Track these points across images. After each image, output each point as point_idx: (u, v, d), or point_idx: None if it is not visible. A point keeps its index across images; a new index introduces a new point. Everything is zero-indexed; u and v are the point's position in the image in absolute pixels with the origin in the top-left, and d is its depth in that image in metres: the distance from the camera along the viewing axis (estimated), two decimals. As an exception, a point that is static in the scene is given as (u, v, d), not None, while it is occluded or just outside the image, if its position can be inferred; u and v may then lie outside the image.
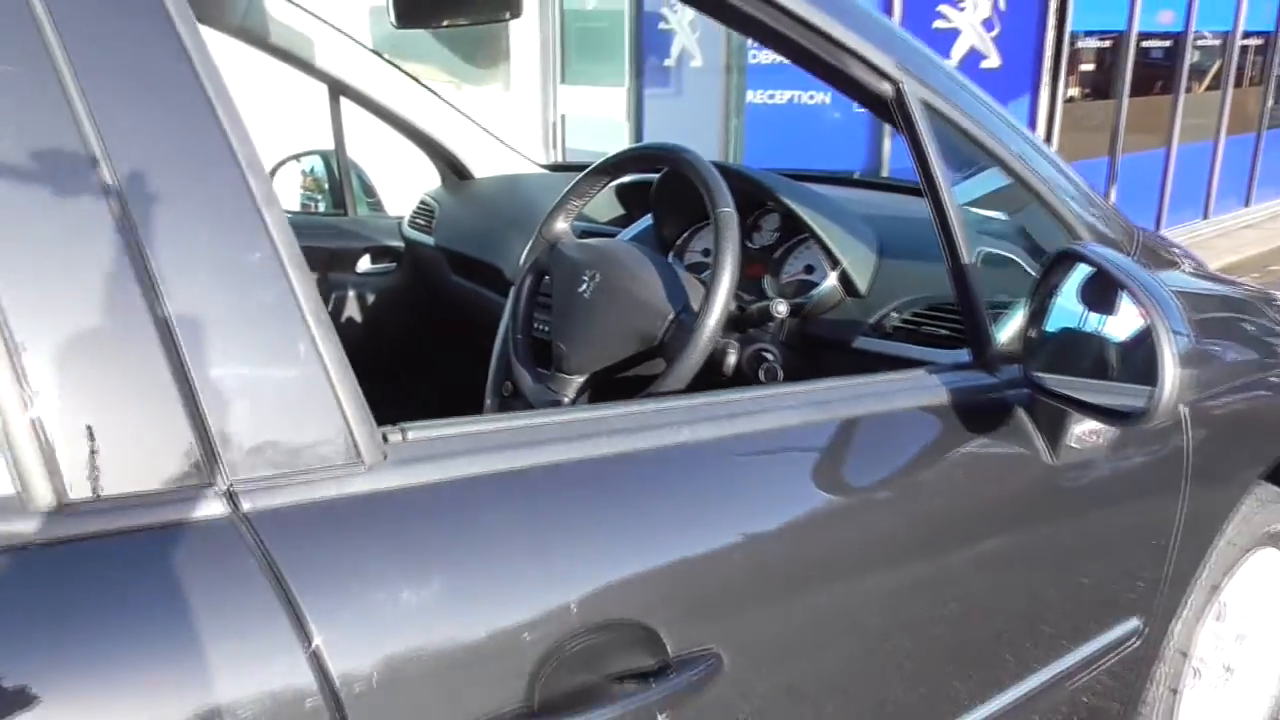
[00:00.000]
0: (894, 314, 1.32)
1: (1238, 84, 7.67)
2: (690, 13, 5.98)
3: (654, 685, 0.76)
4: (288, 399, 0.64)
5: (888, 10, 5.86)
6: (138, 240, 0.60)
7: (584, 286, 1.31)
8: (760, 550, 0.88)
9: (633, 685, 0.74)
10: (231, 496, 0.62)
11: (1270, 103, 8.24)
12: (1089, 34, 6.24)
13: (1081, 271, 1.08)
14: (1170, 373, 0.92)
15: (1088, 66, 6.43)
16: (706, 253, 1.56)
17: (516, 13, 1.43)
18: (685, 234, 1.59)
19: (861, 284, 1.37)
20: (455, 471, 0.72)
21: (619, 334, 1.26)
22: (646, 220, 1.65)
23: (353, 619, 0.63)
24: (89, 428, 0.57)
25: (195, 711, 0.57)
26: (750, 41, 5.82)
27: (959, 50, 5.92)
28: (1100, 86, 6.57)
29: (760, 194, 1.44)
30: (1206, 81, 7.50)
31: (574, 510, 0.78)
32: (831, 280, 1.38)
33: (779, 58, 1.13)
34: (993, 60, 5.86)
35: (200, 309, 0.61)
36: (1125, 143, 6.70)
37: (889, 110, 1.11)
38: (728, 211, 1.20)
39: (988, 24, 5.87)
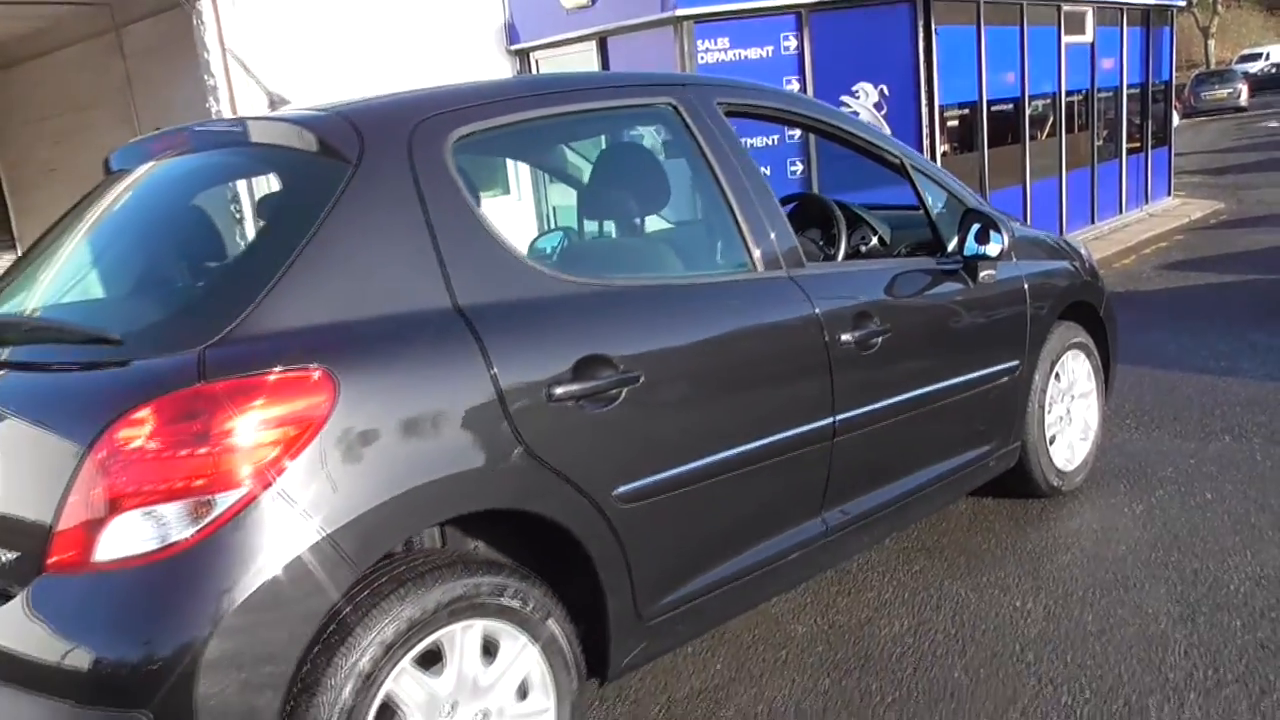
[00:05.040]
0: (902, 249, 3.51)
1: (1069, 130, 10.41)
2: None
3: (870, 330, 2.87)
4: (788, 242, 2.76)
5: (804, 104, 8.29)
6: (740, 215, 2.71)
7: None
8: (875, 290, 2.99)
9: (859, 338, 2.86)
10: (790, 273, 2.72)
11: (1098, 143, 11.03)
12: (952, 105, 8.80)
13: (974, 228, 3.25)
14: (1005, 236, 3.13)
15: (955, 128, 8.97)
16: (811, 237, 3.71)
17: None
18: (804, 230, 3.76)
19: (888, 240, 3.55)
20: (813, 271, 2.85)
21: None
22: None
23: (817, 296, 2.74)
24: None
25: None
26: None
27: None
28: (966, 142, 9.12)
29: (844, 210, 3.62)
30: (1046, 130, 10.20)
31: (847, 280, 2.92)
32: (874, 240, 3.56)
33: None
34: (885, 131, 8.33)
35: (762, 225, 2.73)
36: (990, 183, 9.26)
37: (898, 171, 3.30)
38: (839, 215, 3.37)
39: (878, 106, 8.36)
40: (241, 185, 2.31)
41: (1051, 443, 3.82)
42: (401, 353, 1.98)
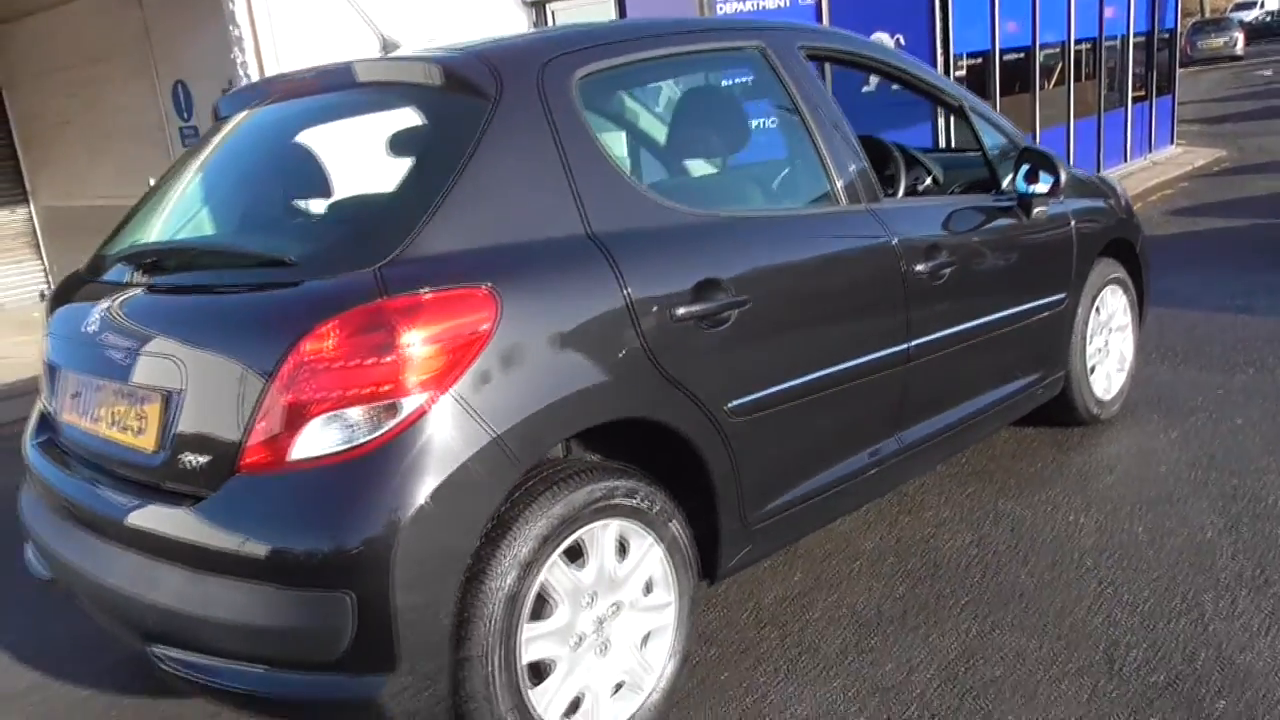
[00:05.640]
0: (955, 188, 3.70)
1: (1077, 79, 10.55)
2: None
3: (940, 261, 3.07)
4: (867, 178, 2.96)
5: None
6: (825, 152, 2.90)
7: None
8: (941, 225, 3.20)
9: (930, 268, 3.06)
10: (869, 207, 2.92)
11: (1105, 91, 11.19)
12: (966, 54, 8.94)
13: (1024, 168, 3.46)
14: (1062, 174, 3.33)
15: (966, 77, 9.12)
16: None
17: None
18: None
19: (941, 180, 3.74)
20: (888, 205, 3.04)
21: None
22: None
23: (893, 229, 2.95)
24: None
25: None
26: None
27: (875, 77, 8.52)
28: (978, 91, 9.26)
29: (904, 152, 3.81)
30: (1054, 79, 10.36)
31: (918, 215, 3.12)
32: (929, 180, 3.76)
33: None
34: (903, 81, 8.49)
35: (843, 164, 2.93)
36: (1002, 132, 9.43)
37: (957, 113, 3.49)
38: (899, 156, 3.56)
39: (894, 55, 8.49)
40: (377, 120, 2.47)
41: (1091, 372, 4.05)
42: (548, 274, 2.17)
